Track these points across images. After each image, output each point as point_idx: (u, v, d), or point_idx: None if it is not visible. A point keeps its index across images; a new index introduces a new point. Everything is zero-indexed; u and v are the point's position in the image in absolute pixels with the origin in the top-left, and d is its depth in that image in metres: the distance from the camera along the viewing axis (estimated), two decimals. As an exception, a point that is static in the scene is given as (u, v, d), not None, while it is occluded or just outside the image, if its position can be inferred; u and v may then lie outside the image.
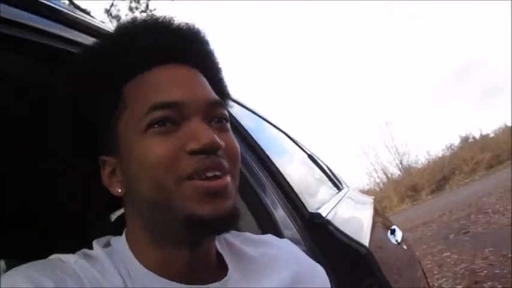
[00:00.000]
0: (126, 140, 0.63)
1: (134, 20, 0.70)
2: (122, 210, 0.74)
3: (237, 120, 1.34)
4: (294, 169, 1.66)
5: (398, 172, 13.13)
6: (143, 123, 0.60)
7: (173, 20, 0.69)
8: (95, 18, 0.91)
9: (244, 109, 1.68)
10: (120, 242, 0.66)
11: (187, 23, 0.70)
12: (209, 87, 0.66)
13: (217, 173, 0.59)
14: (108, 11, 8.57)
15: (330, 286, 0.80)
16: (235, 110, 1.43)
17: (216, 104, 0.64)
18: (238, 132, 1.30)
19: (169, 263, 0.63)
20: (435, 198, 11.82)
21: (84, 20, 0.86)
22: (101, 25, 0.89)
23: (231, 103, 0.90)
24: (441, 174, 12.60)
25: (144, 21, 0.69)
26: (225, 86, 0.75)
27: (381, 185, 13.36)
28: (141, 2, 9.08)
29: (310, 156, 2.36)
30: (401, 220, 9.07)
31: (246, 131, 1.35)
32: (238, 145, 0.65)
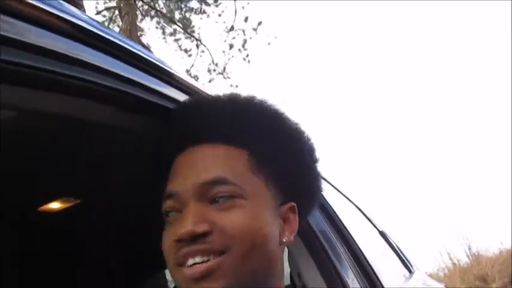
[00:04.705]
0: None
1: (195, 98, 0.76)
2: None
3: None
4: (368, 245, 1.62)
5: (466, 259, 12.10)
6: (164, 211, 0.67)
7: (227, 99, 0.72)
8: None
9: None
10: None
11: (246, 100, 0.71)
12: (218, 164, 0.65)
13: (197, 260, 0.61)
14: (188, 71, 9.06)
15: None
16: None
17: (212, 183, 0.63)
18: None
19: None
20: (508, 293, 10.73)
21: (180, 77, 0.83)
22: (193, 83, 0.88)
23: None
24: (515, 267, 11.48)
25: (196, 100, 0.75)
26: (285, 168, 0.70)
27: (446, 270, 12.36)
28: (219, 65, 9.56)
29: (382, 233, 2.29)
30: (468, 313, 8.25)
31: (325, 201, 1.35)
32: (246, 221, 0.62)
